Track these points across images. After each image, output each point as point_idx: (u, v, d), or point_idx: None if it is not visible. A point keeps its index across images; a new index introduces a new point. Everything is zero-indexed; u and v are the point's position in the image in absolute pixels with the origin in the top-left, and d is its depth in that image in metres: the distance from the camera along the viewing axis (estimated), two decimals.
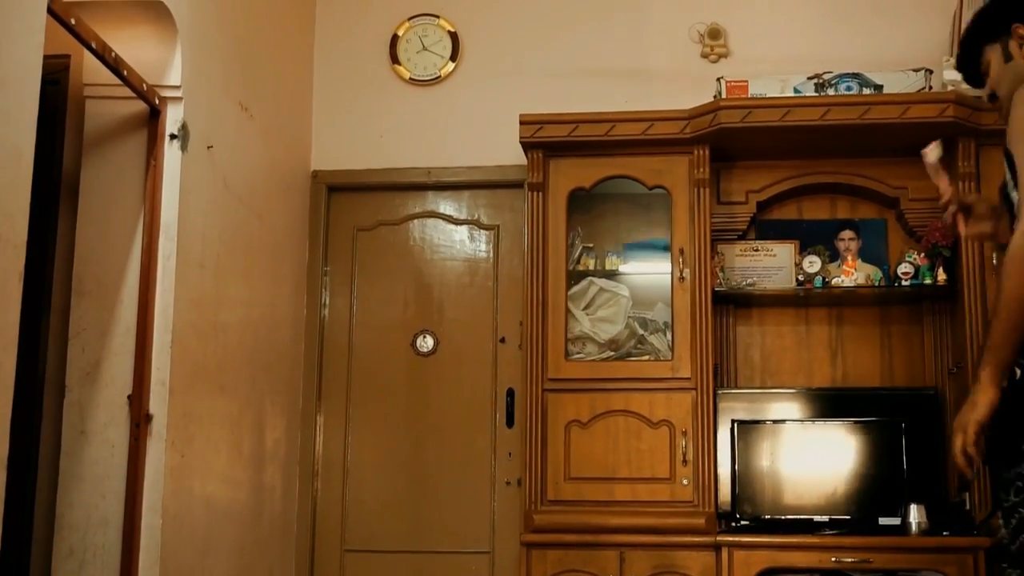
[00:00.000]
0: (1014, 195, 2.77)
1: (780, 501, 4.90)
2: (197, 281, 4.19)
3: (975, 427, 2.51)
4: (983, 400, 2.52)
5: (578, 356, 4.98)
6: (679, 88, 5.32)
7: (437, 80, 5.69)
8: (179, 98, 4.06)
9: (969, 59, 3.03)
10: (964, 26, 3.00)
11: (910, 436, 4.82)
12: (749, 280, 5.10)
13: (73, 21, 3.36)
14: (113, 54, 3.65)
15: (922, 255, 4.94)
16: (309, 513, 5.42)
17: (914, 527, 4.61)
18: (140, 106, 3.99)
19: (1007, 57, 2.93)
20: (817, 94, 4.94)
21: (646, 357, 5.00)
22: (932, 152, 3.21)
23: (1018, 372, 2.67)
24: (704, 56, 5.52)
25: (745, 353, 5.25)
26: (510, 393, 5.44)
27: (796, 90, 4.98)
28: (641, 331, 5.03)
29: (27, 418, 3.79)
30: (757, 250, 5.18)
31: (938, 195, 3.26)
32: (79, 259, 3.96)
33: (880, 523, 4.75)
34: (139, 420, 3.83)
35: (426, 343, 5.56)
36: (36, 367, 3.94)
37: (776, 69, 5.17)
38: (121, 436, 3.85)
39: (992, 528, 2.65)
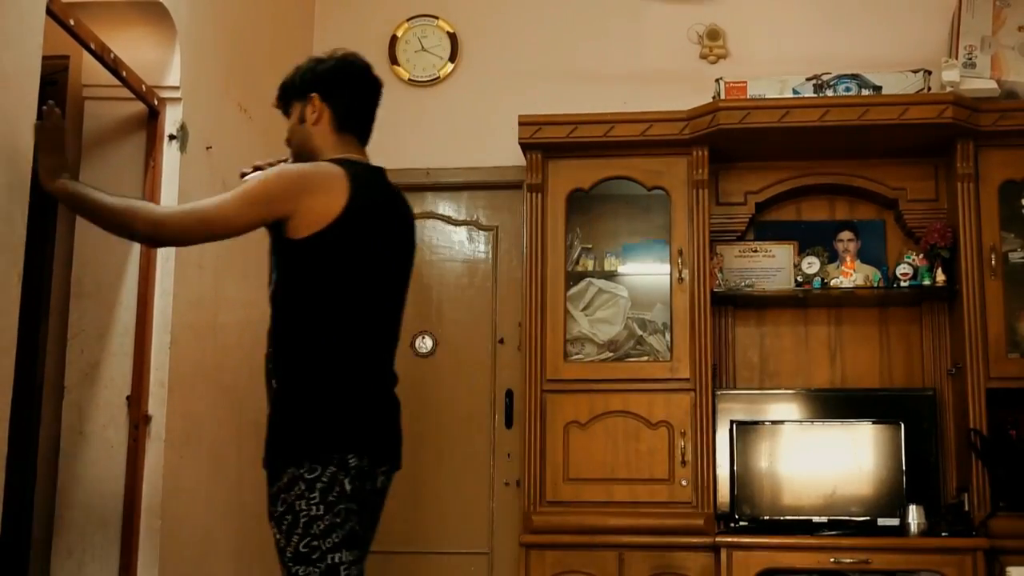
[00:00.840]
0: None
1: (779, 502, 4.90)
2: (196, 282, 4.19)
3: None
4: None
5: (577, 357, 4.98)
6: (678, 89, 5.32)
7: (436, 81, 5.69)
8: (178, 99, 4.06)
9: (283, 99, 3.34)
10: (298, 71, 3.31)
11: (909, 437, 4.82)
12: (748, 281, 5.10)
13: (72, 22, 3.36)
14: (112, 55, 3.65)
15: (921, 256, 4.94)
16: None
17: (913, 528, 4.61)
18: (139, 107, 3.99)
19: (301, 118, 3.24)
20: (816, 95, 4.94)
21: (645, 358, 5.00)
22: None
23: (274, 383, 2.93)
24: (703, 57, 5.52)
25: (744, 354, 5.25)
26: (509, 394, 5.44)
27: (795, 91, 4.98)
28: (640, 332, 5.03)
29: (26, 419, 3.79)
30: (756, 251, 5.18)
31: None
32: (78, 260, 3.96)
33: (879, 524, 4.75)
34: (138, 421, 3.83)
35: (425, 344, 5.56)
36: (35, 368, 3.93)
37: (775, 70, 5.17)
38: (120, 437, 3.84)
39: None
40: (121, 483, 3.81)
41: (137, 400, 3.84)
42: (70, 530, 3.80)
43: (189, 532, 4.11)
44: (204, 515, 4.28)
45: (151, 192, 3.94)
